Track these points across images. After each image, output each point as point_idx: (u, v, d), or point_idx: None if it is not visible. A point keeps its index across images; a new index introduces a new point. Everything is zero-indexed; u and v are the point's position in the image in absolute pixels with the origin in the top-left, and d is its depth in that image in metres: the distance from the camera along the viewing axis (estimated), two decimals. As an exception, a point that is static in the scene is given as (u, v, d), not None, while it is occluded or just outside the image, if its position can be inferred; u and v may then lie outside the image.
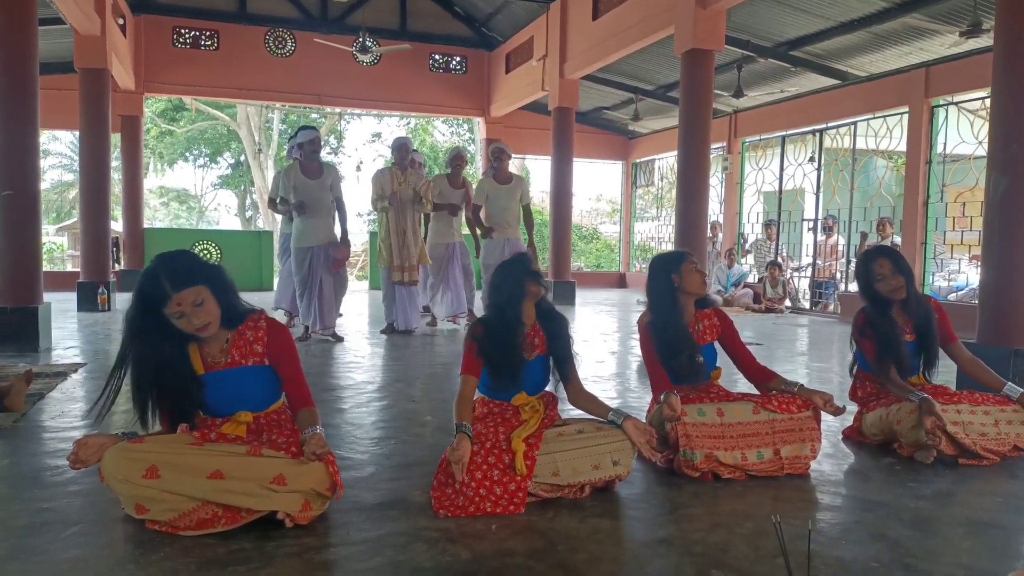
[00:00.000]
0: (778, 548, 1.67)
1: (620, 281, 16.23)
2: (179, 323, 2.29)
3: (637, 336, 6.75)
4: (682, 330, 3.12)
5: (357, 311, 9.67)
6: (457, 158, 7.75)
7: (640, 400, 4.32)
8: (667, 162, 14.80)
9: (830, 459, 3.14)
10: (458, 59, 14.49)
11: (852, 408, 3.59)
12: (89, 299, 9.12)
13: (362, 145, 33.25)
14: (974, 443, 3.08)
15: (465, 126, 25.87)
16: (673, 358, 3.09)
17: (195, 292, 2.28)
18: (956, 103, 8.87)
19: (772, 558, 2.07)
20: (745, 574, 1.99)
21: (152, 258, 2.34)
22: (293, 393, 2.51)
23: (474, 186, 7.81)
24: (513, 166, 7.91)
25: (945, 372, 3.55)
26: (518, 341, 2.79)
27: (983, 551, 2.20)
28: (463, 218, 7.79)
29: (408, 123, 26.22)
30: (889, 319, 3.36)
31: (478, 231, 7.69)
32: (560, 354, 2.89)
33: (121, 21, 11.20)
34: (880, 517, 2.47)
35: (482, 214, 7.52)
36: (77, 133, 10.17)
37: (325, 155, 7.07)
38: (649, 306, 3.24)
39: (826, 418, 3.31)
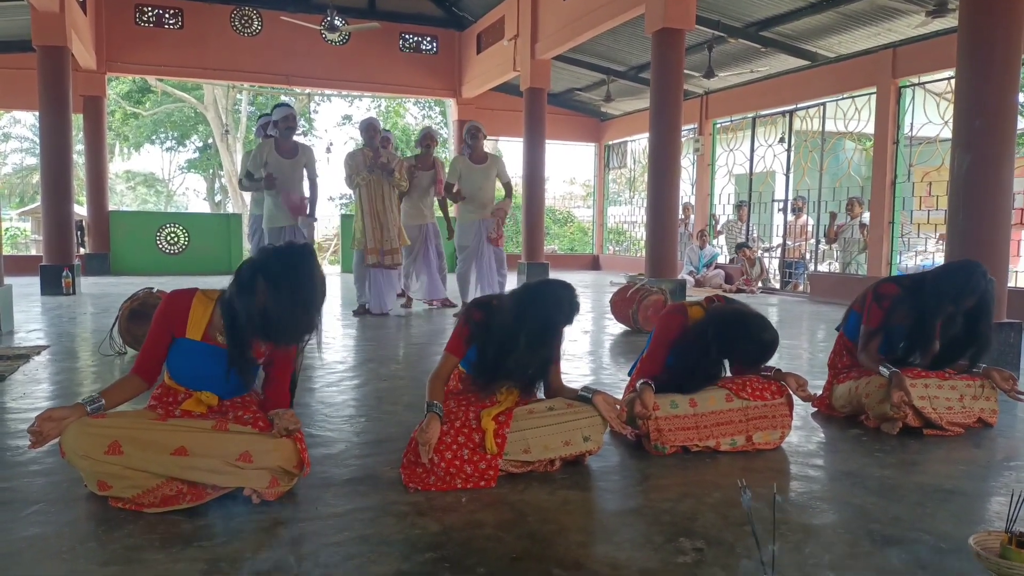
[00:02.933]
0: (746, 516, 1.68)
1: (594, 263, 16.28)
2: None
3: (610, 316, 6.79)
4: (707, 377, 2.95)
5: (330, 293, 9.57)
6: (427, 138, 7.67)
7: (613, 377, 4.34)
8: (640, 144, 14.81)
9: (798, 431, 3.17)
10: (429, 39, 14.33)
11: (821, 381, 3.63)
12: (53, 283, 8.93)
13: (332, 127, 32.93)
14: (940, 417, 3.14)
15: (437, 108, 25.66)
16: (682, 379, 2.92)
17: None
18: (922, 83, 8.97)
19: (740, 526, 2.09)
20: (713, 541, 2.01)
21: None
22: (274, 395, 2.45)
23: (447, 167, 7.74)
24: (486, 148, 7.81)
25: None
26: (516, 368, 2.60)
27: (946, 517, 2.23)
28: (435, 199, 7.73)
29: (379, 105, 25.95)
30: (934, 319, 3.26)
31: (450, 210, 7.64)
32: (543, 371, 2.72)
33: (81, -2, 10.92)
34: (847, 486, 2.50)
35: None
36: (38, 114, 9.88)
37: (296, 137, 6.99)
38: (686, 347, 2.94)
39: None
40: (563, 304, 2.59)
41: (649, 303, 6.24)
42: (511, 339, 2.55)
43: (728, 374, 3.08)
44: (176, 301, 2.37)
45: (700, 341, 2.87)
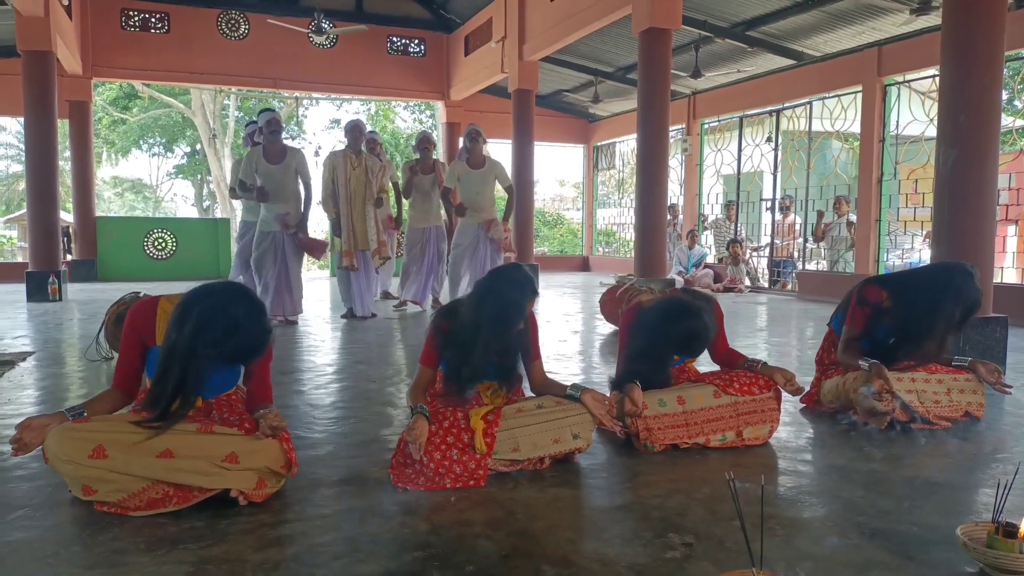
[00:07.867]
0: (735, 512, 1.67)
1: (583, 265, 16.29)
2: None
3: (600, 317, 6.79)
4: (662, 378, 2.93)
5: (317, 297, 9.56)
6: (424, 141, 7.69)
7: (602, 376, 4.33)
8: (628, 145, 14.84)
9: (787, 427, 3.18)
10: (416, 42, 14.33)
11: (810, 377, 3.63)
12: (39, 289, 8.86)
13: (321, 131, 32.84)
14: (928, 411, 3.15)
15: (427, 111, 25.65)
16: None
17: None
18: (907, 82, 9.03)
19: (729, 520, 2.09)
20: (702, 536, 2.00)
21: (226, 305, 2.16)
22: (256, 389, 2.43)
23: (446, 169, 7.75)
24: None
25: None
26: (482, 360, 2.58)
27: (933, 508, 2.24)
28: (439, 200, 7.73)
29: (368, 108, 25.92)
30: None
31: (453, 212, 7.64)
32: (522, 360, 2.73)
33: (66, 2, 10.84)
34: (835, 480, 2.51)
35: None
36: (23, 120, 9.82)
37: (284, 141, 6.98)
38: (631, 352, 2.93)
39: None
40: (517, 282, 2.60)
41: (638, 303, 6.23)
42: (473, 331, 2.56)
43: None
44: (141, 313, 2.36)
45: (643, 331, 2.88)
